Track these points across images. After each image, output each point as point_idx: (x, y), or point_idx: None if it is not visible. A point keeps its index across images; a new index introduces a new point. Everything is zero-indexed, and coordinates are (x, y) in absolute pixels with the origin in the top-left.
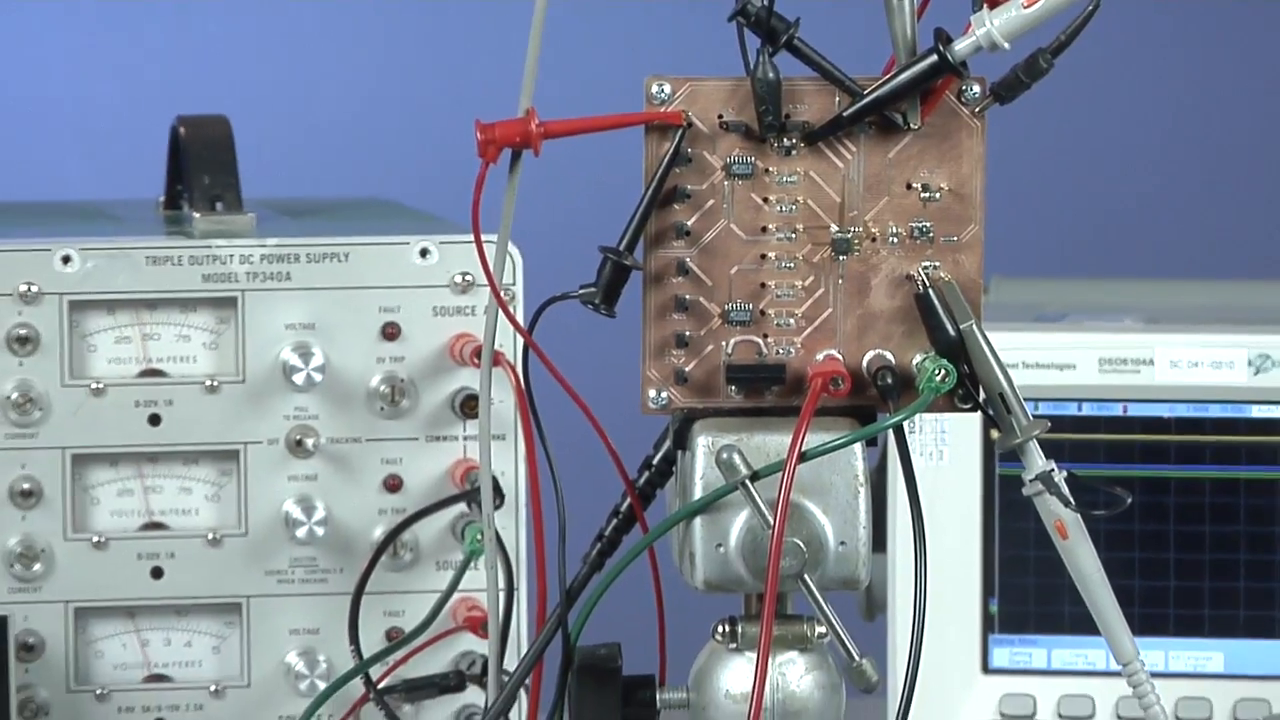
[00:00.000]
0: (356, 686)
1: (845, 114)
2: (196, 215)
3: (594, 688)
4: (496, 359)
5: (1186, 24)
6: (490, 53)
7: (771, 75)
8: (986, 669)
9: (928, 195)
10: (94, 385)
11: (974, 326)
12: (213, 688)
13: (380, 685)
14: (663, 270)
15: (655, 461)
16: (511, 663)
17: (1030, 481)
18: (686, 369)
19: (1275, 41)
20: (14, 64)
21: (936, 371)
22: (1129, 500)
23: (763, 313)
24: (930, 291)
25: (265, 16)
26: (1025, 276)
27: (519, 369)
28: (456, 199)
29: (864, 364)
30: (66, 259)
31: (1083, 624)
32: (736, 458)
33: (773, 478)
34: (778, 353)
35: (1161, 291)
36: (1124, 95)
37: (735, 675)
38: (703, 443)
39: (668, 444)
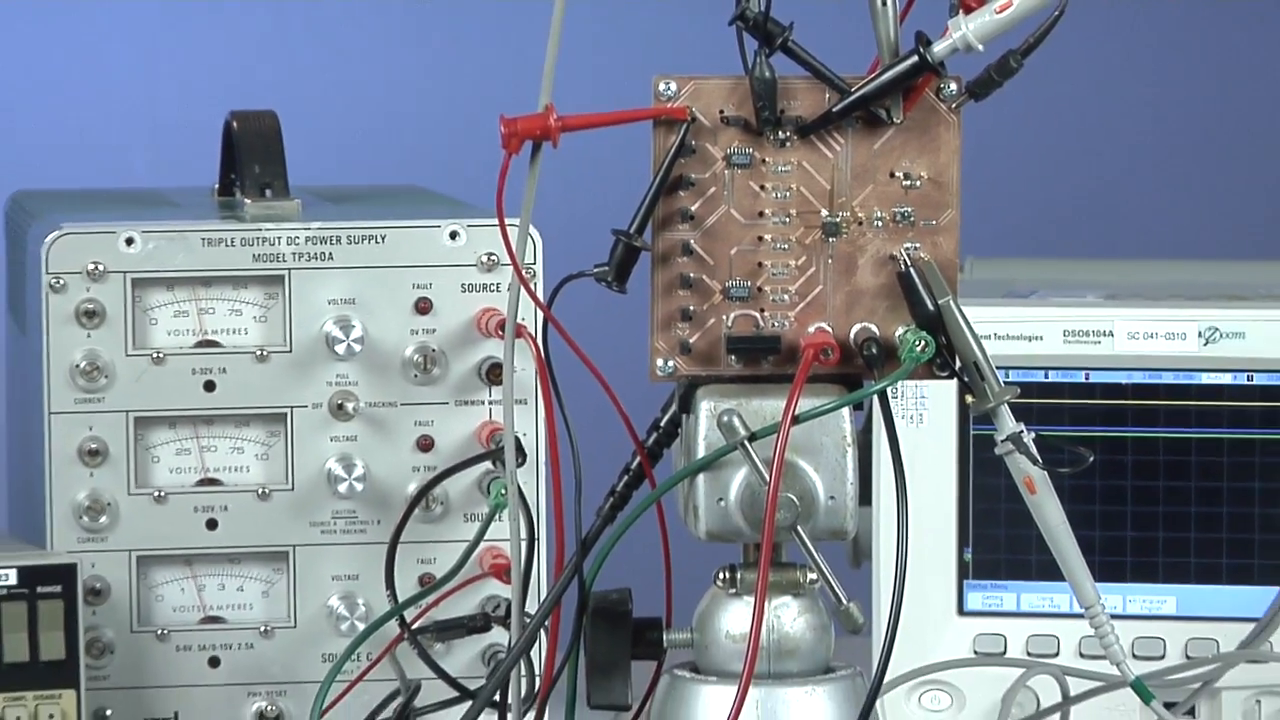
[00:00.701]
0: (392, 627)
1: (834, 109)
2: (247, 201)
3: (607, 629)
4: (519, 331)
5: (1146, 20)
6: (512, 52)
7: (768, 74)
8: (961, 611)
9: (909, 183)
10: (154, 355)
11: (951, 302)
12: (262, 628)
13: (414, 626)
14: (669, 251)
15: (662, 424)
16: (532, 606)
17: (1002, 442)
18: (690, 340)
19: (1226, 34)
20: (86, 66)
21: (917, 343)
22: (1090, 459)
23: (759, 289)
24: (911, 270)
25: (310, 20)
26: (997, 257)
27: (539, 340)
28: (482, 186)
29: (851, 336)
30: (130, 241)
31: (1049, 571)
32: (736, 420)
33: (769, 438)
34: (773, 326)
35: (1120, 270)
36: (1089, 92)
37: (735, 617)
38: (705, 407)
39: (673, 408)
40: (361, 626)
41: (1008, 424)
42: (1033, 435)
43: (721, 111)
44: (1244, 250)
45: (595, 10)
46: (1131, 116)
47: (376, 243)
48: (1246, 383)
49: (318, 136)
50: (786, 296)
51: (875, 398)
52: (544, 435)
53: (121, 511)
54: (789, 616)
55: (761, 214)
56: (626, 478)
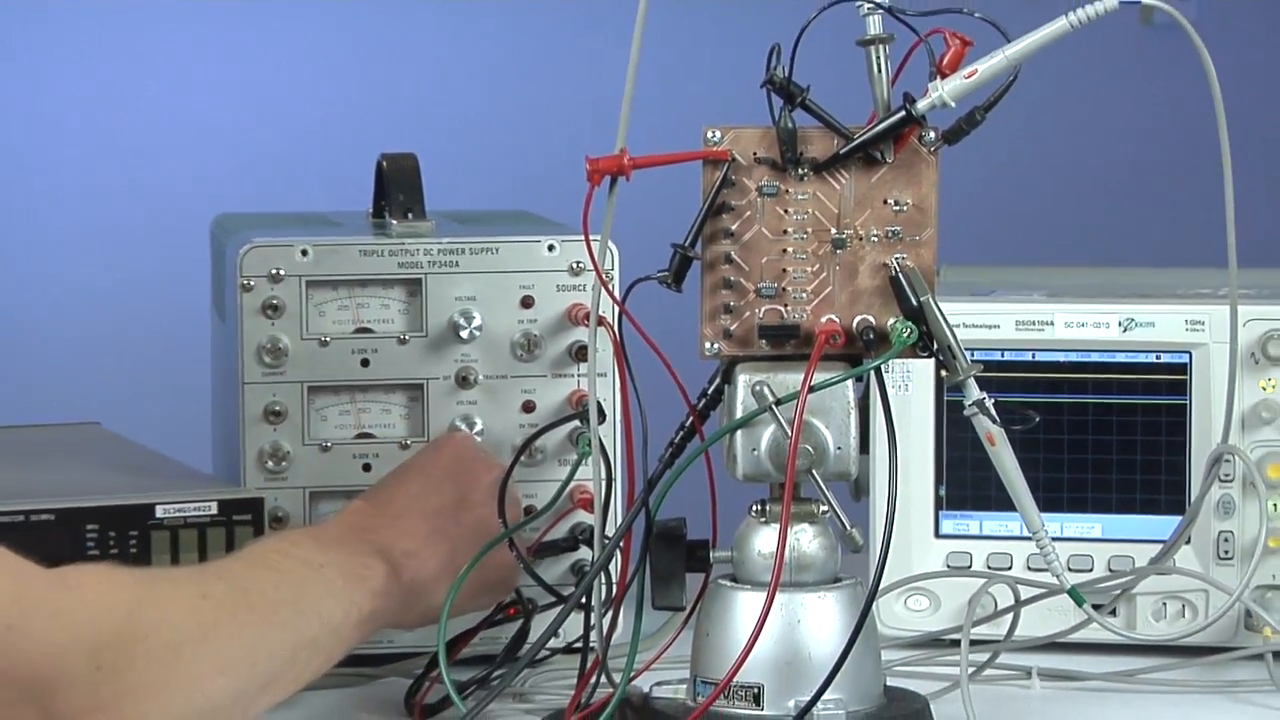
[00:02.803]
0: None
1: (841, 152)
2: (394, 222)
3: (666, 548)
4: (600, 321)
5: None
6: (594, 99)
7: (790, 125)
8: (937, 534)
9: (898, 208)
10: (322, 339)
11: (930, 299)
12: None
13: (522, 547)
14: (714, 260)
15: (709, 392)
16: (610, 531)
17: (968, 406)
18: (731, 328)
19: (1160, 69)
20: (271, 116)
21: (904, 330)
22: (1036, 419)
23: (783, 289)
24: (900, 275)
25: (444, 76)
26: (965, 264)
27: (616, 328)
28: (574, 209)
29: (854, 325)
30: (304, 252)
31: (1005, 504)
32: (765, 389)
33: (791, 403)
34: (794, 317)
35: (1059, 275)
36: (1036, 133)
37: (764, 540)
38: (742, 379)
39: (718, 380)
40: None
41: (973, 392)
42: (992, 401)
43: (755, 153)
44: (1156, 258)
45: (659, 72)
46: (1072, 150)
47: (492, 254)
48: (1155, 360)
49: (447, 169)
50: (804, 295)
51: (872, 372)
52: (619, 400)
53: (297, 458)
54: (806, 539)
55: (785, 232)
56: (681, 433)
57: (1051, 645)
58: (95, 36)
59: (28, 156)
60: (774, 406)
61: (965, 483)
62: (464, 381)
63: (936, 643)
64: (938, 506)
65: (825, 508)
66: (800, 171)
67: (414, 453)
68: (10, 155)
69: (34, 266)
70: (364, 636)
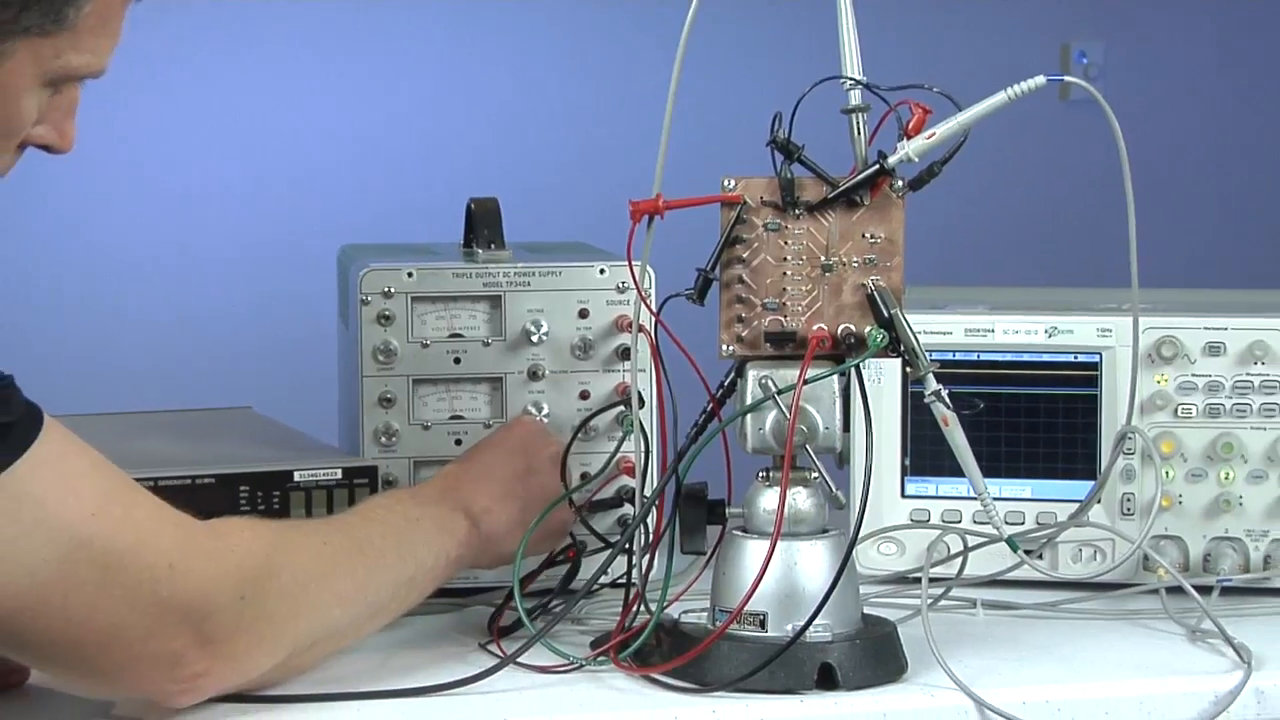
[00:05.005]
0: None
1: (829, 197)
2: (479, 251)
3: (692, 506)
4: (641, 328)
5: (1014, 115)
6: (639, 153)
7: (789, 176)
8: (903, 495)
9: (873, 240)
10: (423, 342)
11: (899, 312)
12: None
13: (578, 504)
14: (730, 280)
15: (725, 384)
16: (647, 492)
17: (928, 395)
18: (742, 334)
19: (1071, 121)
20: (385, 163)
21: (878, 336)
22: (981, 405)
23: (784, 304)
24: (875, 293)
25: (525, 133)
26: (927, 284)
27: (653, 334)
28: (620, 240)
29: (839, 332)
30: (410, 274)
31: (956, 471)
32: (770, 382)
33: (789, 393)
34: (792, 326)
35: (999, 293)
36: (975, 183)
37: (769, 499)
38: (752, 375)
39: (732, 374)
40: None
41: (931, 385)
42: (946, 391)
43: (761, 197)
44: (1075, 280)
45: (688, 132)
46: (1010, 195)
47: (556, 276)
48: (1073, 360)
49: (523, 207)
50: (800, 308)
51: (853, 369)
52: (655, 390)
53: (404, 435)
54: (800, 499)
55: (785, 259)
56: (703, 415)
57: (992, 582)
58: (250, 102)
59: (204, 197)
60: (776, 396)
61: (925, 454)
62: (534, 375)
63: (902, 580)
64: (903, 473)
65: (816, 474)
66: (797, 212)
67: (492, 431)
68: (187, 196)
69: (208, 286)
70: (451, 574)
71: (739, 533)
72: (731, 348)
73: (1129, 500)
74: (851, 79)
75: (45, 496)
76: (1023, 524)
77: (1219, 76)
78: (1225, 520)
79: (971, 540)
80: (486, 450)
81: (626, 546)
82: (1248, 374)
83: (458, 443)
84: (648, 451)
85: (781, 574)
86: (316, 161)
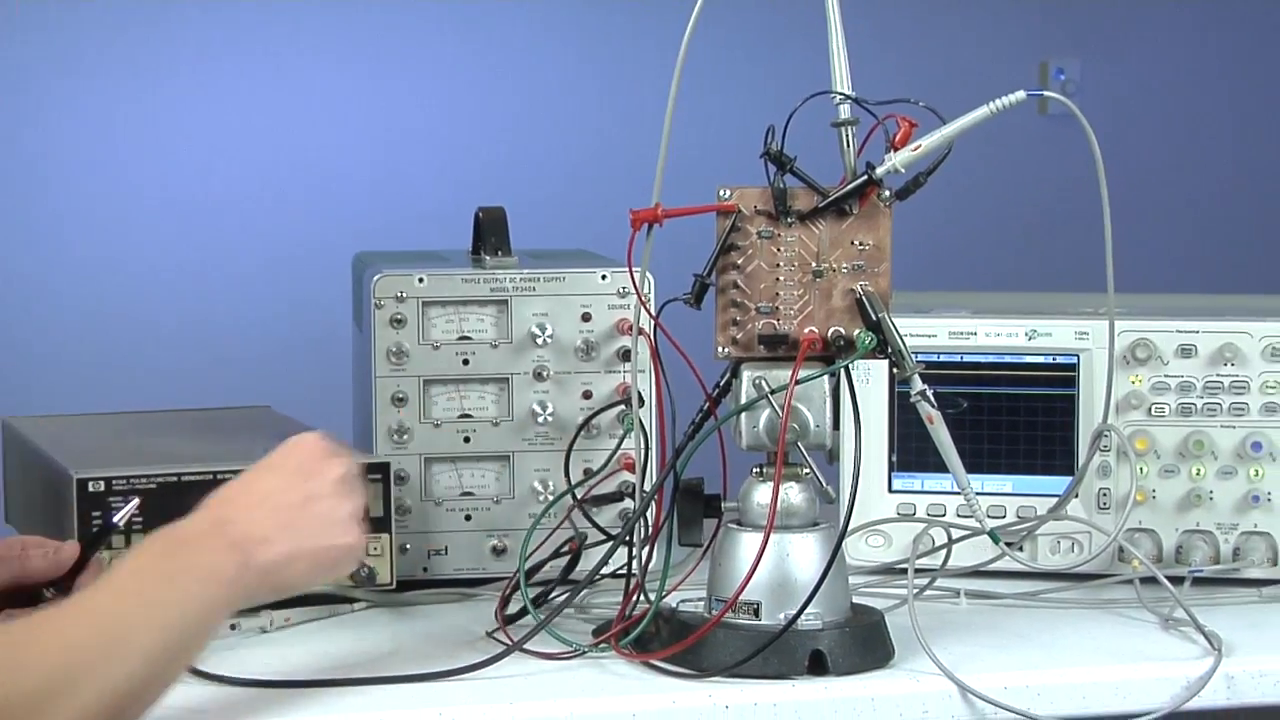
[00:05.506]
0: (568, 498)
1: (820, 206)
2: (487, 257)
3: (690, 499)
4: (640, 331)
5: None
6: (640, 163)
7: (781, 186)
8: (890, 490)
9: (862, 247)
10: (434, 344)
11: (886, 316)
12: (495, 499)
13: (581, 498)
14: (725, 285)
15: (721, 384)
16: (646, 487)
17: (914, 395)
18: (737, 336)
19: (1051, 134)
20: (397, 172)
21: (866, 339)
22: (964, 404)
23: (777, 308)
24: (863, 297)
25: (531, 143)
26: (913, 290)
27: (652, 336)
28: (621, 247)
29: (829, 334)
30: (421, 279)
31: (941, 467)
32: (763, 382)
33: (782, 392)
34: (784, 329)
35: (981, 298)
36: (956, 196)
37: (763, 493)
38: (746, 375)
39: (728, 375)
40: (551, 498)
41: (917, 384)
42: (931, 391)
43: (755, 206)
44: (1054, 285)
45: (686, 144)
46: (991, 204)
47: (560, 281)
48: (1052, 361)
49: (529, 216)
50: (792, 312)
51: (842, 370)
52: (654, 390)
53: (415, 432)
54: (792, 493)
55: (778, 265)
56: (700, 414)
57: (975, 573)
58: (270, 115)
59: (226, 207)
60: (769, 395)
61: (911, 451)
62: (539, 376)
63: (890, 571)
64: (890, 469)
65: (807, 470)
66: (789, 220)
67: (270, 452)
68: (210, 207)
69: (230, 292)
70: (223, 618)
71: (734, 526)
72: (727, 350)
73: (1105, 495)
74: (841, 94)
75: None
76: (1004, 517)
77: (1190, 92)
78: (1196, 514)
79: (955, 533)
80: (265, 473)
81: (627, 539)
82: (1218, 375)
83: (467, 440)
84: (647, 448)
85: (774, 565)
86: (333, 172)
